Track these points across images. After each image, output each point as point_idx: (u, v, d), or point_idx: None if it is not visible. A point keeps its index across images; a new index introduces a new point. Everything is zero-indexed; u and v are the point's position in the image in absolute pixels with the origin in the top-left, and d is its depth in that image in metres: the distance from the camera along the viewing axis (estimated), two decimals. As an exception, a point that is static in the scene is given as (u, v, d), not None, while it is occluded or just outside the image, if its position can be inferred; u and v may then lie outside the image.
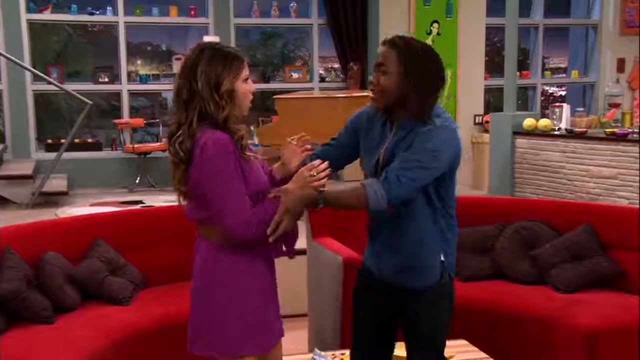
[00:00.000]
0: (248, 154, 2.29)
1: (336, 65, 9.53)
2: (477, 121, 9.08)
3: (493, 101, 10.45)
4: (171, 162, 2.27)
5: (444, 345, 2.59)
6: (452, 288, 2.55)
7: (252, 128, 8.27)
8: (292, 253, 2.39)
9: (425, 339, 2.53)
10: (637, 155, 6.00)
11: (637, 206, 4.75)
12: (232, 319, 2.32)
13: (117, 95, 9.05)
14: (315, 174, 2.24)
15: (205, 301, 2.36)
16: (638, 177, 5.93)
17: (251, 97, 2.35)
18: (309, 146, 2.50)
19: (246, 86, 2.31)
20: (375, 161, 2.44)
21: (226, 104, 2.23)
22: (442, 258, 2.49)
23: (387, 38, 2.41)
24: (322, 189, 2.26)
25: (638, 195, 5.88)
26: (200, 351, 2.37)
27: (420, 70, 2.35)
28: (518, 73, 8.15)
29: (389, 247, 2.49)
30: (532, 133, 6.91)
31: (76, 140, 8.56)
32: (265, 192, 2.31)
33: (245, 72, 2.30)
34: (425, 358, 2.56)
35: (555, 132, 6.78)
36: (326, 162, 2.28)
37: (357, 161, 2.62)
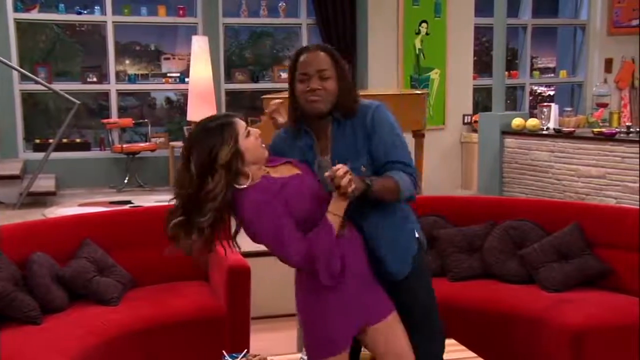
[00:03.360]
0: (279, 175, 2.37)
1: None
2: (465, 121, 9.10)
3: (482, 101, 10.48)
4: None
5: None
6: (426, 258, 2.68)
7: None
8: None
9: (424, 318, 2.57)
10: (624, 154, 6.04)
11: (625, 205, 4.78)
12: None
13: (106, 95, 9.01)
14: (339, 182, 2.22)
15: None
16: (630, 177, 5.97)
17: (259, 141, 2.36)
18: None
19: (249, 140, 2.32)
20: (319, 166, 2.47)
21: (221, 175, 2.27)
22: (417, 235, 2.57)
23: (313, 45, 2.52)
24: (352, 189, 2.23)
25: (637, 195, 5.92)
26: None
27: (345, 71, 2.49)
28: (506, 73, 8.19)
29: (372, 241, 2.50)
30: (520, 133, 6.93)
31: (64, 140, 8.52)
32: (314, 199, 2.35)
33: (242, 130, 2.31)
34: (429, 337, 2.59)
35: (544, 132, 6.81)
36: (342, 165, 2.25)
37: None
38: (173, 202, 2.36)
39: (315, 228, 2.29)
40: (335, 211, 2.28)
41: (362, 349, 2.71)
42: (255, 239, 2.35)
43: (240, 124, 2.32)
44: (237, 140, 2.28)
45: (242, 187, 2.30)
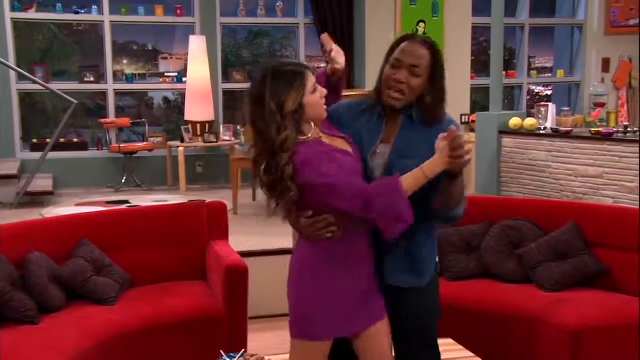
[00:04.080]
0: (330, 137, 2.35)
1: (322, 65, 9.49)
2: (463, 120, 9.10)
3: (479, 100, 10.48)
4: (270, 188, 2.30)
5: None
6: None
7: (238, 127, 8.27)
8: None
9: (422, 331, 2.55)
10: (622, 154, 6.04)
11: (622, 205, 4.78)
12: None
13: (103, 94, 9.00)
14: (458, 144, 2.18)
15: None
16: (628, 177, 5.97)
17: (323, 101, 2.34)
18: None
19: (314, 97, 2.30)
20: (373, 152, 2.42)
21: (289, 124, 2.24)
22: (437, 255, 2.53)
23: (421, 37, 2.42)
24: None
25: (634, 194, 5.92)
26: None
27: (441, 76, 2.41)
28: (504, 72, 8.18)
29: (393, 250, 2.47)
30: (518, 132, 6.93)
31: (62, 140, 8.51)
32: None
33: (310, 83, 2.29)
34: (424, 350, 2.58)
35: (541, 132, 6.81)
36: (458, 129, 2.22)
37: None
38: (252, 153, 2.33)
39: (381, 180, 2.29)
40: (427, 170, 2.23)
41: None
42: (317, 195, 2.28)
43: (310, 77, 2.30)
44: (304, 92, 2.26)
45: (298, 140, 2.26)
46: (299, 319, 2.43)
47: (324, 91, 2.34)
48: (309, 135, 2.30)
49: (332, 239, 2.32)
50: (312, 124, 2.32)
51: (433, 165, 2.23)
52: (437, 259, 2.55)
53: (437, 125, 2.39)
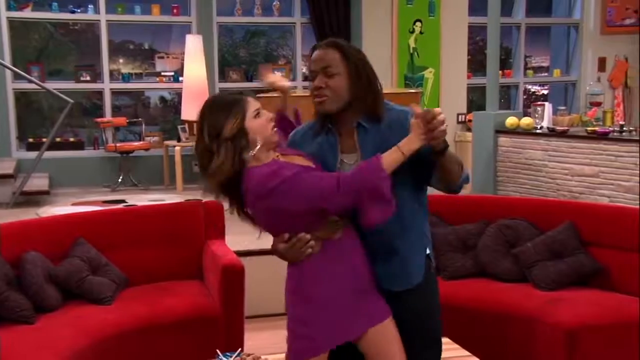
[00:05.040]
0: (287, 157, 2.35)
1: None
2: (460, 120, 9.12)
3: (476, 100, 10.49)
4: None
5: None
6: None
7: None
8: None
9: (422, 331, 2.54)
10: (618, 153, 6.05)
11: (618, 204, 4.79)
12: None
13: (99, 94, 8.99)
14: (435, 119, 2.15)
15: None
16: (623, 176, 5.98)
17: (271, 125, 2.33)
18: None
19: (258, 121, 2.30)
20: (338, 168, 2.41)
21: (226, 150, 2.26)
22: (428, 251, 2.49)
23: (324, 42, 2.41)
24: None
25: (630, 193, 5.93)
26: None
27: (367, 70, 2.36)
28: (500, 72, 8.19)
29: (377, 254, 2.45)
30: (514, 131, 6.94)
31: (58, 139, 8.49)
32: None
33: (252, 109, 2.30)
34: (432, 350, 2.57)
35: (538, 131, 6.82)
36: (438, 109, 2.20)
37: None
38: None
39: (361, 163, 2.26)
40: (404, 148, 2.20)
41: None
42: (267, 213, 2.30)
43: (251, 103, 2.31)
44: (244, 117, 2.27)
45: (249, 166, 2.26)
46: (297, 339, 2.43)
47: (270, 115, 2.34)
48: (261, 158, 2.28)
49: (315, 251, 2.32)
50: (265, 148, 2.30)
51: (409, 143, 2.20)
52: (431, 258, 2.51)
53: (396, 122, 2.36)
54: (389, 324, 2.43)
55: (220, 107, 2.31)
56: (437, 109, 2.18)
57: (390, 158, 2.21)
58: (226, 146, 2.25)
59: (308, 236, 2.29)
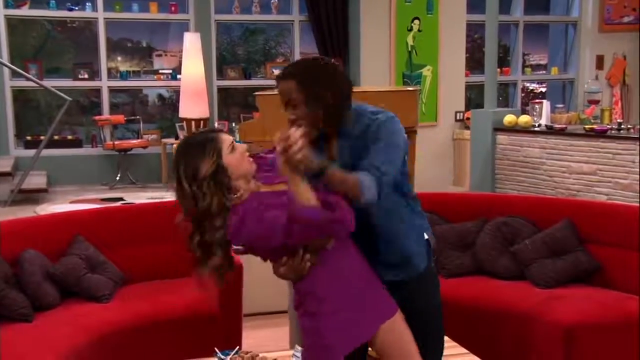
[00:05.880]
0: (270, 185, 2.31)
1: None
2: (458, 118, 9.11)
3: (474, 98, 10.49)
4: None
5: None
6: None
7: (233, 125, 8.26)
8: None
9: (430, 321, 2.56)
10: (616, 151, 6.06)
11: (616, 202, 4.79)
12: None
13: (97, 91, 8.98)
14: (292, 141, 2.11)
15: None
16: (621, 174, 5.99)
17: (246, 155, 2.30)
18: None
19: (233, 155, 2.26)
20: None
21: (209, 189, 2.22)
22: (426, 236, 2.52)
23: (280, 73, 2.37)
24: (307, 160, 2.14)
25: (627, 191, 5.94)
26: None
27: (331, 87, 2.31)
28: (498, 70, 8.20)
29: (374, 248, 2.48)
30: (512, 129, 6.94)
31: (55, 137, 8.50)
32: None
33: (225, 144, 2.26)
34: (433, 340, 2.58)
35: (536, 129, 6.82)
36: (300, 129, 2.16)
37: None
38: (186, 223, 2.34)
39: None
40: (293, 186, 2.17)
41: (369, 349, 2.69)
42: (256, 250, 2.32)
43: (224, 138, 2.27)
44: (220, 155, 2.23)
45: (232, 202, 2.24)
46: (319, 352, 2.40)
47: (244, 146, 2.32)
48: (241, 192, 2.26)
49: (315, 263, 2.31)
50: (245, 181, 2.28)
51: (282, 169, 2.18)
52: (431, 246, 2.54)
53: (365, 126, 2.34)
54: (397, 319, 2.43)
55: (193, 147, 2.26)
56: (293, 135, 2.12)
57: (294, 189, 2.18)
58: (208, 185, 2.22)
59: (301, 252, 2.28)
